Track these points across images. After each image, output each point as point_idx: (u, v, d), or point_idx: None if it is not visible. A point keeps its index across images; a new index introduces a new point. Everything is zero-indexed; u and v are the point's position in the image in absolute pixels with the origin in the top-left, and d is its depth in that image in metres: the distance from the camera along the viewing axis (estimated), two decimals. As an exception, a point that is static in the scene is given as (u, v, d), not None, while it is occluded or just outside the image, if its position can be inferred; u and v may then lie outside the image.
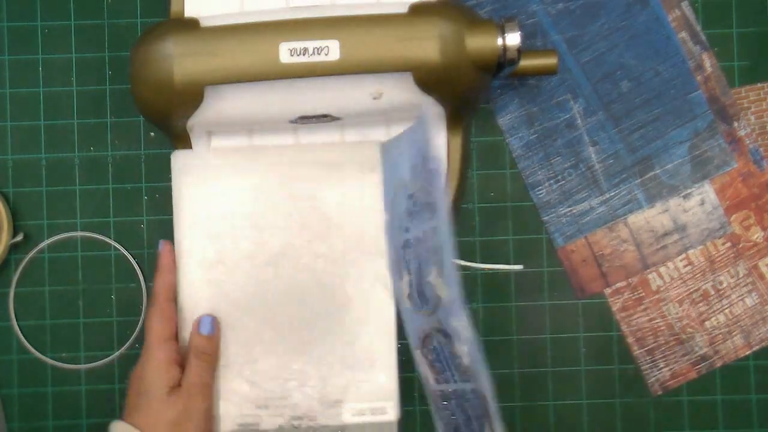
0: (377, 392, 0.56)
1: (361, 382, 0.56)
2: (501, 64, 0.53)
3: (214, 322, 0.55)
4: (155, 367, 0.53)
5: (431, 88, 0.53)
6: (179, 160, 0.57)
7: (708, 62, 0.63)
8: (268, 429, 0.56)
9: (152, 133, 0.63)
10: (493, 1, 0.63)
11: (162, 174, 0.63)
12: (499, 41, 0.52)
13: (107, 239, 0.63)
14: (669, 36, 0.63)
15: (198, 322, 0.55)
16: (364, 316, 0.56)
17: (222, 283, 0.56)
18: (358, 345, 0.56)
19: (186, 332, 0.56)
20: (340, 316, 0.56)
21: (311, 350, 0.56)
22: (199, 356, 0.54)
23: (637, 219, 0.63)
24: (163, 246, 0.56)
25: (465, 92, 0.55)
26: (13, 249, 0.62)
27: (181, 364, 0.54)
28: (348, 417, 0.56)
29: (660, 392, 0.63)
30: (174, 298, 0.56)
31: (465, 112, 0.58)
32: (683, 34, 0.63)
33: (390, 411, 0.56)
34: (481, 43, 0.52)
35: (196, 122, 0.55)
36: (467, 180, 0.63)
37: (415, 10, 0.53)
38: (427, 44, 0.52)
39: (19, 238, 0.62)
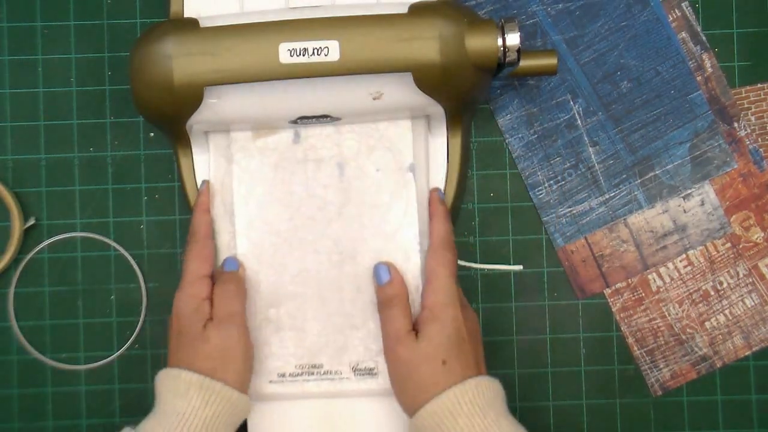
0: None
1: None
2: (501, 65, 0.53)
3: (238, 263, 0.56)
4: (190, 304, 0.53)
5: (431, 89, 0.53)
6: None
7: (708, 62, 0.63)
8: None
9: (152, 133, 0.63)
10: (493, 1, 0.63)
11: (162, 174, 0.63)
12: (499, 41, 0.52)
13: (107, 239, 0.63)
14: (669, 36, 0.63)
15: (223, 263, 0.56)
16: None
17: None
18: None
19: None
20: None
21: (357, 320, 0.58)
22: (222, 285, 0.54)
23: (637, 219, 0.63)
24: (202, 185, 0.58)
25: (465, 92, 0.55)
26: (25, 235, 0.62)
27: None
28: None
29: (660, 393, 0.63)
30: (212, 236, 0.57)
31: (465, 113, 0.58)
32: (683, 35, 0.63)
33: None
34: (481, 43, 0.52)
35: (195, 122, 0.55)
36: (467, 180, 0.63)
37: (414, 10, 0.53)
38: (427, 44, 0.52)
39: (32, 222, 0.62)
